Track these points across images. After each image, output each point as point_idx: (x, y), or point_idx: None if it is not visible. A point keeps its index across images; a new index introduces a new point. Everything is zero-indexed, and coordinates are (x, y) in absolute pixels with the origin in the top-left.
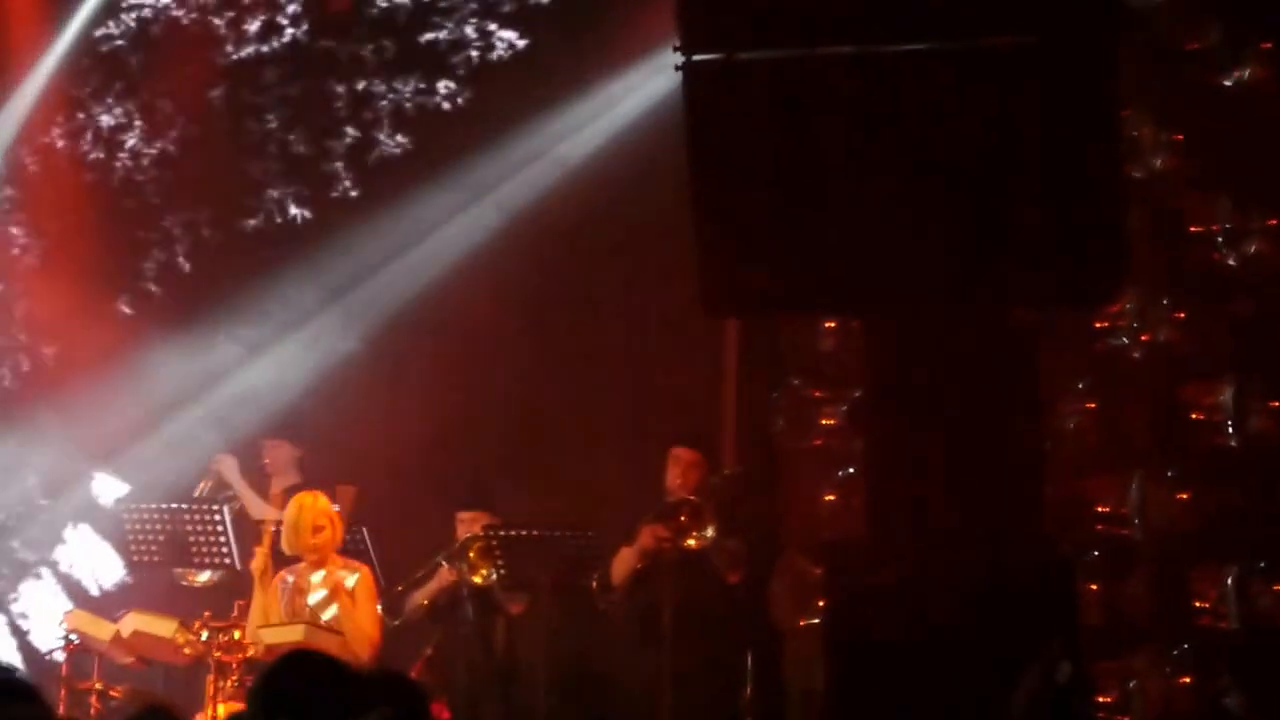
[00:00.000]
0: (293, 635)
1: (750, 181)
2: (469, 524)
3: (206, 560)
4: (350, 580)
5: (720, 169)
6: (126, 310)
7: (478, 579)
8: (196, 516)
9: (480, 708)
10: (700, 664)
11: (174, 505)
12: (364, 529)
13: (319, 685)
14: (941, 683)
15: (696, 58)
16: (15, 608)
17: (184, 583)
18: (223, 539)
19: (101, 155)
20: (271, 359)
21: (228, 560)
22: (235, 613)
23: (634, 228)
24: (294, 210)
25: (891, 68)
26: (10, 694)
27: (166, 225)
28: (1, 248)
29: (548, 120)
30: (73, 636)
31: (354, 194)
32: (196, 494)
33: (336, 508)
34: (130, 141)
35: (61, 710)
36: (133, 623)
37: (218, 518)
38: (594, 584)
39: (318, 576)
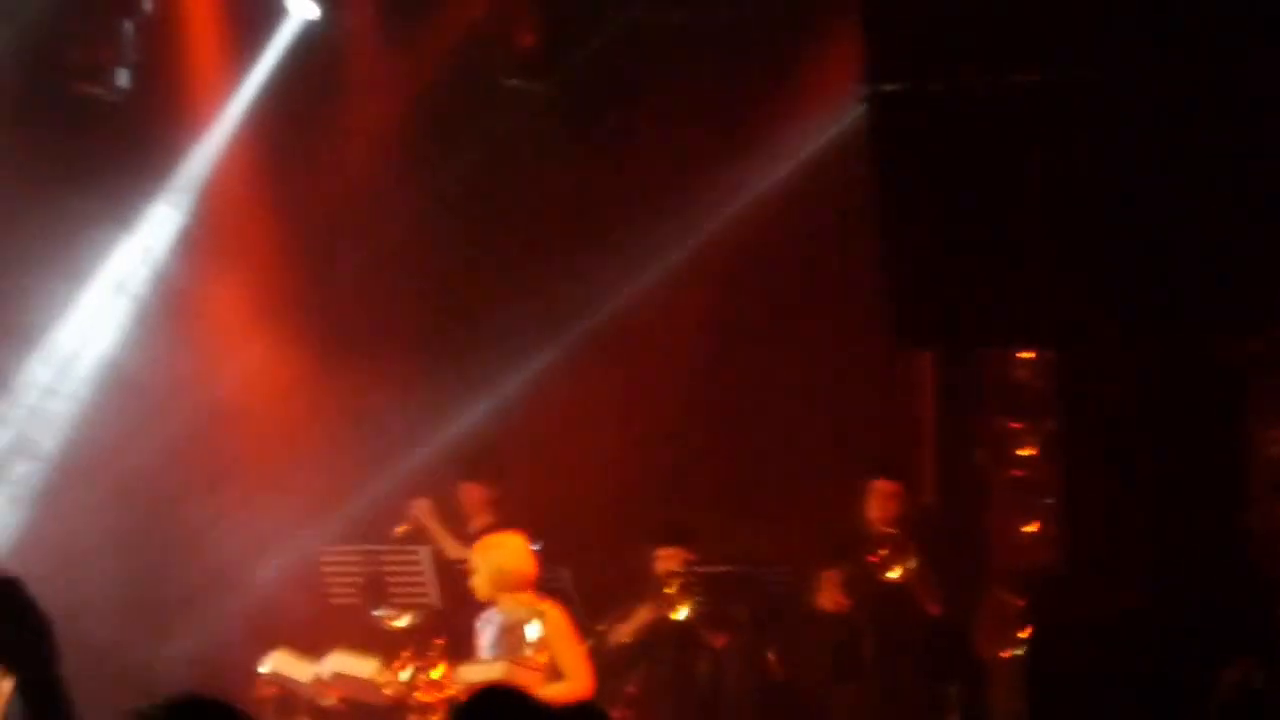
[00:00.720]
0: (495, 673)
1: (938, 212)
2: (667, 560)
3: (406, 601)
4: (541, 619)
5: (907, 200)
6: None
7: (678, 615)
8: (395, 558)
9: None
10: (903, 695)
11: (372, 547)
12: (565, 570)
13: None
14: (1142, 714)
15: (882, 88)
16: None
17: (385, 625)
18: (421, 579)
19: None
20: (465, 399)
21: (426, 600)
22: (434, 652)
23: (830, 257)
24: None
25: (1081, 94)
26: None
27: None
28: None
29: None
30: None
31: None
32: (394, 536)
33: (537, 546)
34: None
35: None
36: (333, 663)
37: (416, 558)
38: (793, 622)
39: (512, 616)
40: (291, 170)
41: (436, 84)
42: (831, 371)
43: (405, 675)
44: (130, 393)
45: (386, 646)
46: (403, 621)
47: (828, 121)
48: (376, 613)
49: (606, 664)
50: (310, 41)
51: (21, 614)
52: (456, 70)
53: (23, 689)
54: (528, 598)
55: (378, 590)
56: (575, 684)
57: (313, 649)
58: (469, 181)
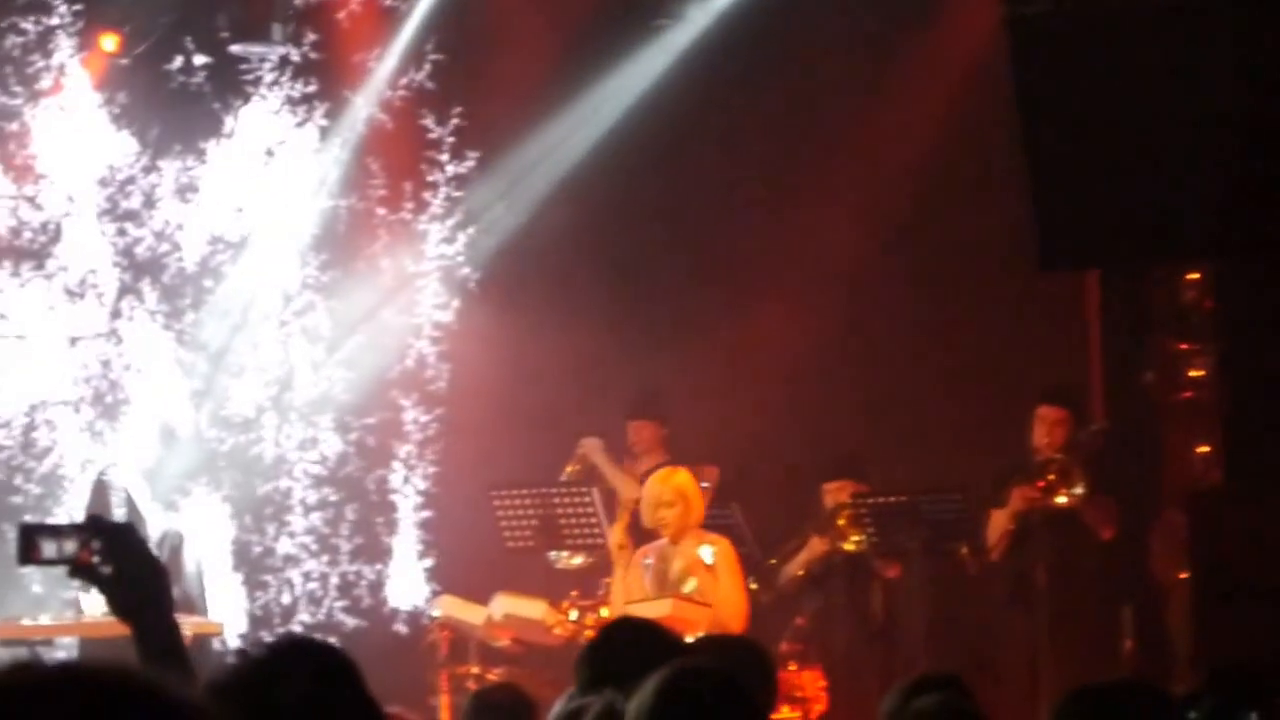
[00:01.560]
0: (660, 610)
1: (1082, 134)
2: (836, 493)
3: (579, 542)
4: (709, 553)
5: (1051, 122)
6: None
7: (849, 547)
8: (567, 499)
9: (861, 672)
10: (1077, 621)
11: (544, 489)
12: (735, 505)
13: (644, 652)
14: None
15: (1023, 10)
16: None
17: (559, 566)
18: (594, 520)
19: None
20: (633, 337)
21: (600, 541)
22: (603, 591)
23: (991, 180)
24: None
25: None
26: (329, 676)
27: None
28: None
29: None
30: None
31: None
32: (564, 477)
33: (705, 485)
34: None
35: (445, 695)
36: (503, 605)
37: (588, 499)
38: (964, 550)
39: (677, 551)
40: (445, 125)
41: (585, 30)
42: (996, 299)
43: (574, 615)
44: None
45: (552, 587)
46: (577, 561)
47: (970, 49)
48: (551, 554)
49: (777, 597)
50: None
51: (136, 562)
52: (605, 14)
53: (138, 639)
54: (695, 533)
55: (551, 531)
56: (737, 620)
57: (475, 593)
58: (623, 129)
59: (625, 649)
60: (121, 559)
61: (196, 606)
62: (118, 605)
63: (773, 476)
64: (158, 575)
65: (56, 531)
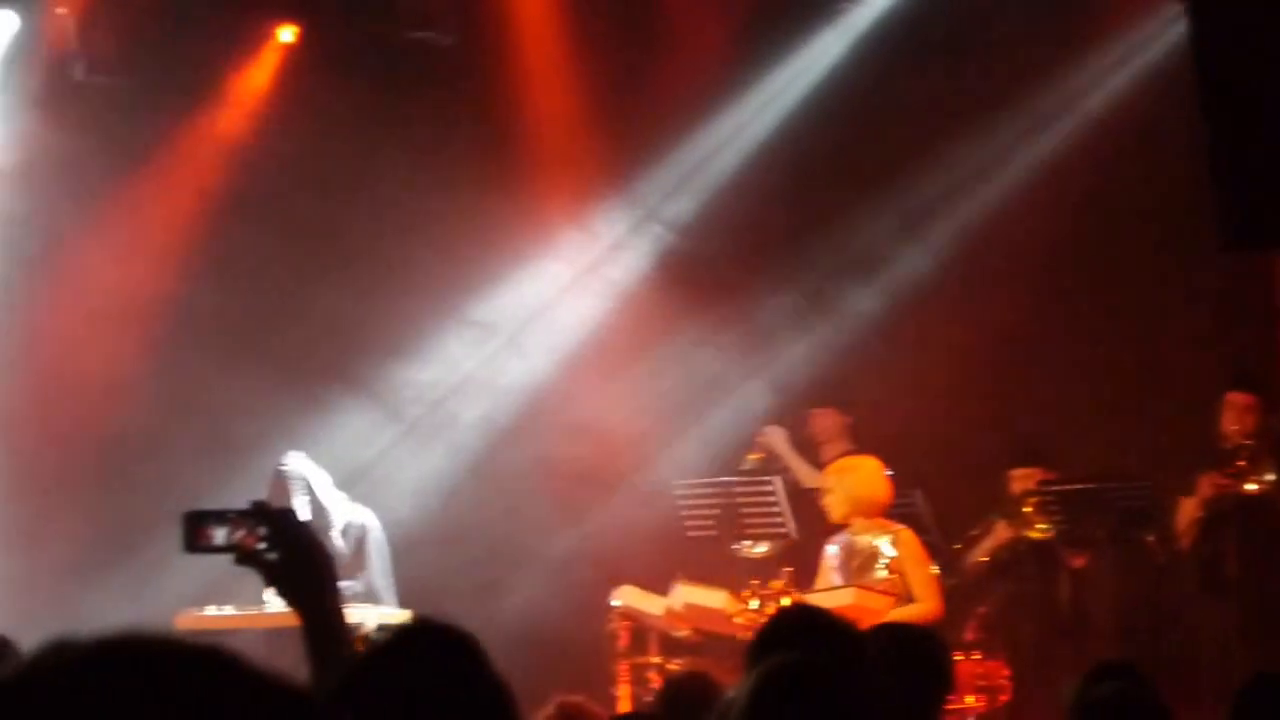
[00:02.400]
0: (842, 599)
1: (1265, 109)
2: (1022, 480)
3: (761, 531)
4: (893, 542)
5: (1232, 97)
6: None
7: (1035, 534)
8: (749, 489)
9: (1047, 662)
10: (1269, 609)
11: (726, 479)
12: (918, 492)
13: (814, 639)
14: None
15: None
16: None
17: (742, 555)
18: (776, 509)
19: None
20: (814, 322)
21: (782, 530)
22: (783, 580)
23: (1171, 162)
24: None
25: None
26: (455, 655)
27: None
28: None
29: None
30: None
31: None
32: (745, 466)
33: (890, 472)
34: None
35: (625, 685)
36: (683, 594)
37: (770, 489)
38: (1152, 538)
39: (862, 540)
40: (620, 104)
41: (760, 15)
42: (1185, 284)
43: (755, 604)
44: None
45: (732, 576)
46: (760, 550)
47: (1150, 27)
48: (735, 545)
49: (962, 585)
50: None
51: (301, 547)
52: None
53: (304, 625)
54: (879, 521)
55: (733, 522)
56: (924, 607)
57: (654, 584)
58: (804, 108)
59: (795, 636)
60: (286, 545)
61: (381, 597)
62: (283, 591)
63: (955, 463)
64: (323, 561)
65: (221, 518)
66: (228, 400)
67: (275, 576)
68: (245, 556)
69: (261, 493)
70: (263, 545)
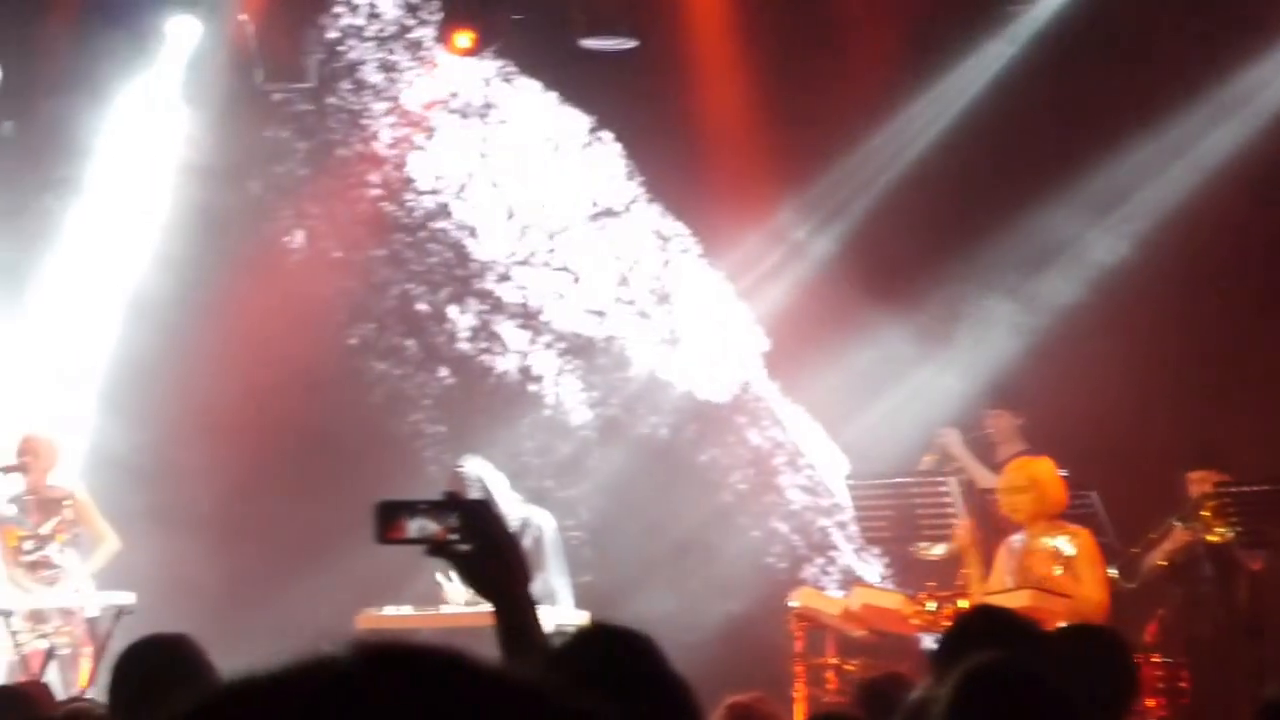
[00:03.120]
0: (1018, 600)
1: None
2: (1199, 483)
3: (937, 533)
4: (1071, 543)
5: None
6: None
7: (1213, 537)
8: (924, 489)
9: (1226, 665)
10: None
11: (901, 479)
12: (1094, 493)
13: (999, 641)
14: None
15: None
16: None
17: (919, 556)
18: (951, 511)
19: None
20: (988, 322)
21: (959, 530)
22: (960, 581)
23: None
24: None
25: None
26: (633, 654)
27: None
28: None
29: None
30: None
31: None
32: (921, 467)
33: (1065, 473)
34: None
35: (802, 686)
36: (860, 596)
37: (945, 489)
38: None
39: (1038, 541)
40: (798, 101)
41: (931, 15)
42: None
43: (931, 606)
44: None
45: (909, 578)
46: (938, 551)
47: None
48: (911, 547)
49: (1139, 587)
50: None
51: (494, 539)
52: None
53: (497, 617)
54: (1058, 523)
55: (908, 523)
56: (1097, 611)
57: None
58: (973, 111)
59: (980, 638)
60: (480, 536)
61: (558, 598)
62: (475, 584)
63: (1133, 465)
64: (516, 554)
65: (413, 509)
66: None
67: (467, 569)
68: (437, 548)
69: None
70: (454, 537)
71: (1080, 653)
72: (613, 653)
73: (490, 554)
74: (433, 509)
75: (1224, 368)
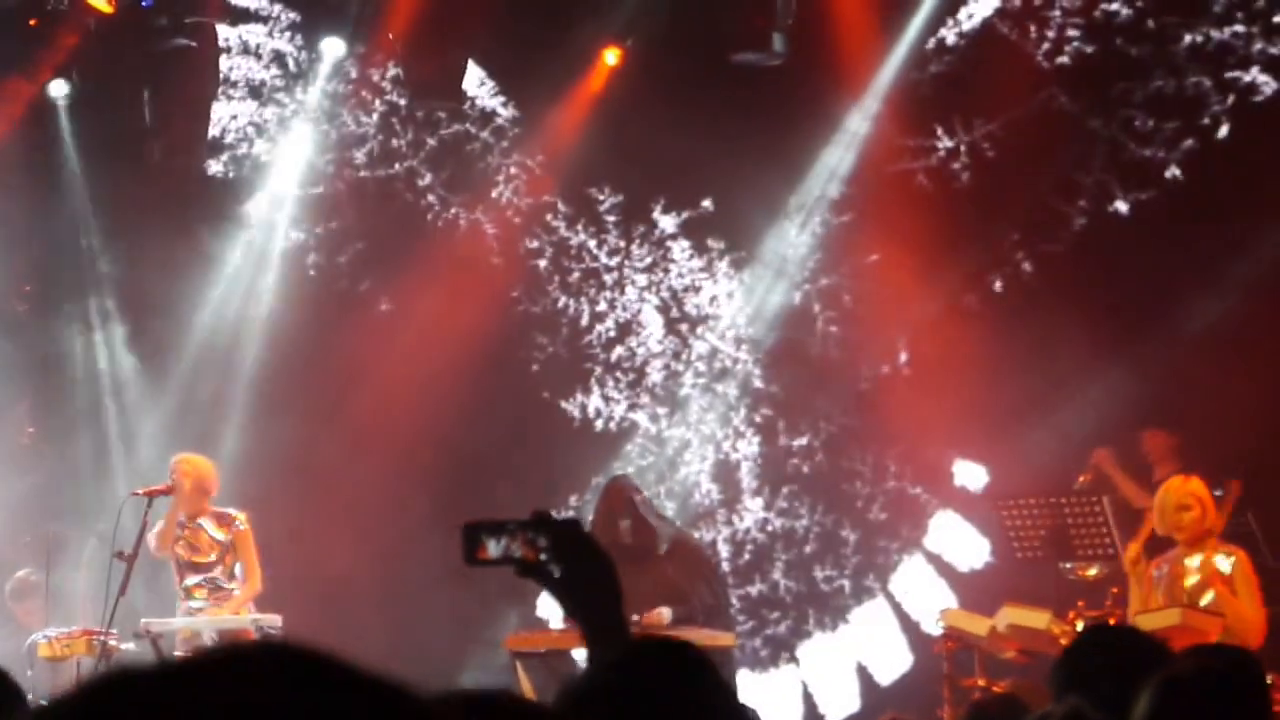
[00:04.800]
0: (1169, 620)
1: None
2: None
3: (1089, 552)
4: (1226, 563)
5: None
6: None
7: None
8: (1077, 508)
9: None
10: None
11: (1053, 498)
12: (1249, 514)
13: (1119, 658)
14: None
15: None
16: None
17: (1072, 576)
18: (1104, 530)
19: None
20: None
21: (1111, 551)
22: (1109, 601)
23: None
24: (1120, 205)
25: None
26: (685, 670)
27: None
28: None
29: None
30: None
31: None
32: (1076, 487)
33: (1219, 493)
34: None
35: (949, 708)
36: (1007, 616)
37: (1098, 508)
38: None
39: (1193, 560)
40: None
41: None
42: None
43: (1081, 626)
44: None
45: (1060, 598)
46: (1092, 572)
47: None
48: (1066, 565)
49: None
50: None
51: (584, 560)
52: None
53: (588, 640)
54: (1212, 542)
55: (1061, 542)
56: (1247, 633)
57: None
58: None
59: (1099, 654)
60: (569, 557)
61: (714, 617)
62: (565, 604)
63: None
64: (608, 573)
65: (501, 529)
66: None
67: (557, 589)
68: (527, 568)
69: (586, 514)
70: (544, 557)
71: (1209, 675)
72: (659, 668)
73: (580, 574)
74: (521, 529)
75: None
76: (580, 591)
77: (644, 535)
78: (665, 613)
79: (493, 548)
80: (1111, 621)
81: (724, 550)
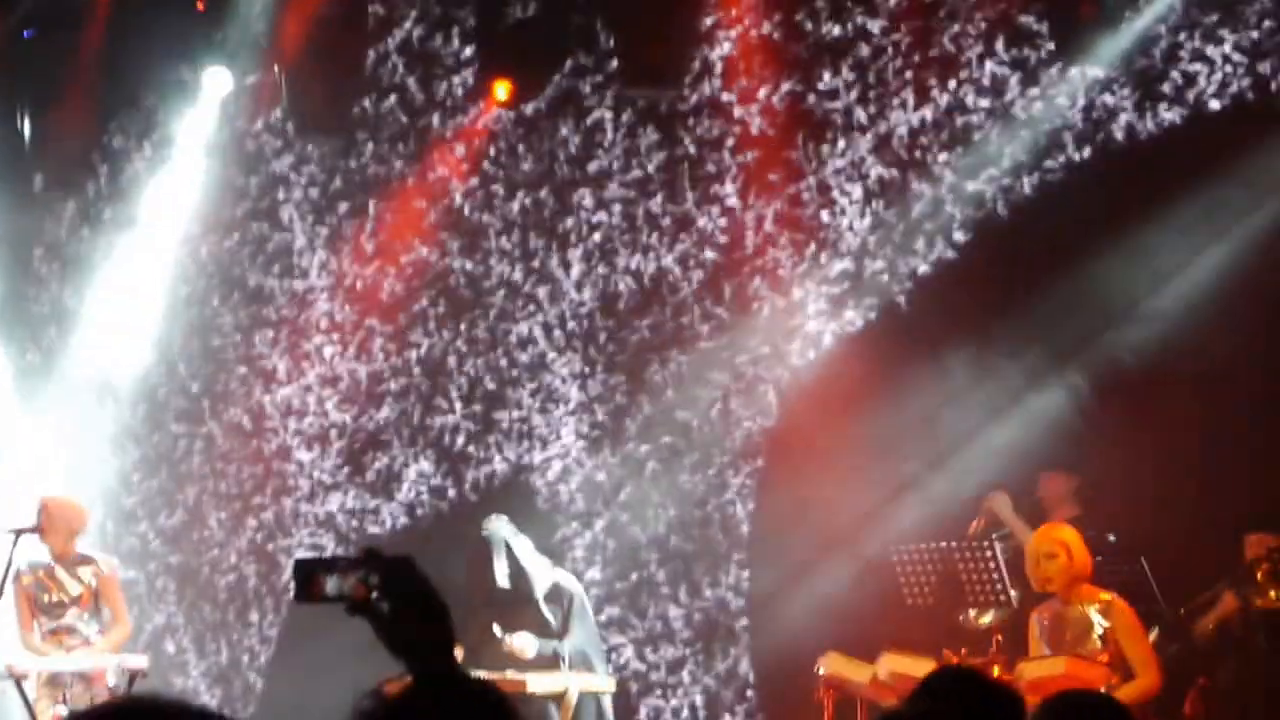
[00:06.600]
0: (1054, 668)
1: None
2: (1255, 546)
3: (981, 599)
4: (1105, 614)
5: None
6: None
7: (1266, 603)
8: (969, 555)
9: None
10: None
11: (945, 544)
12: (1142, 558)
13: (968, 703)
14: None
15: None
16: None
17: (968, 624)
18: (996, 576)
19: None
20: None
21: (1004, 598)
22: (993, 649)
23: None
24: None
25: None
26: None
27: None
28: None
29: None
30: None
31: None
32: (970, 532)
33: (1113, 536)
34: None
35: None
36: (889, 663)
37: (989, 554)
38: None
39: (1074, 610)
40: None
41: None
42: None
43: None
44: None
45: (938, 645)
46: (987, 620)
47: None
48: (960, 615)
49: (1185, 653)
50: None
51: (413, 598)
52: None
53: (415, 682)
54: (1089, 589)
55: (952, 589)
56: (1144, 682)
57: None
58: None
59: (946, 698)
60: (398, 596)
61: (591, 662)
62: (392, 645)
63: (1189, 526)
64: (439, 614)
65: (332, 566)
66: None
67: (386, 629)
68: (357, 607)
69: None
70: (375, 594)
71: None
72: (462, 711)
73: (410, 615)
74: (352, 566)
75: (1274, 429)
76: (409, 632)
77: (519, 579)
78: (529, 644)
79: (327, 585)
80: (996, 670)
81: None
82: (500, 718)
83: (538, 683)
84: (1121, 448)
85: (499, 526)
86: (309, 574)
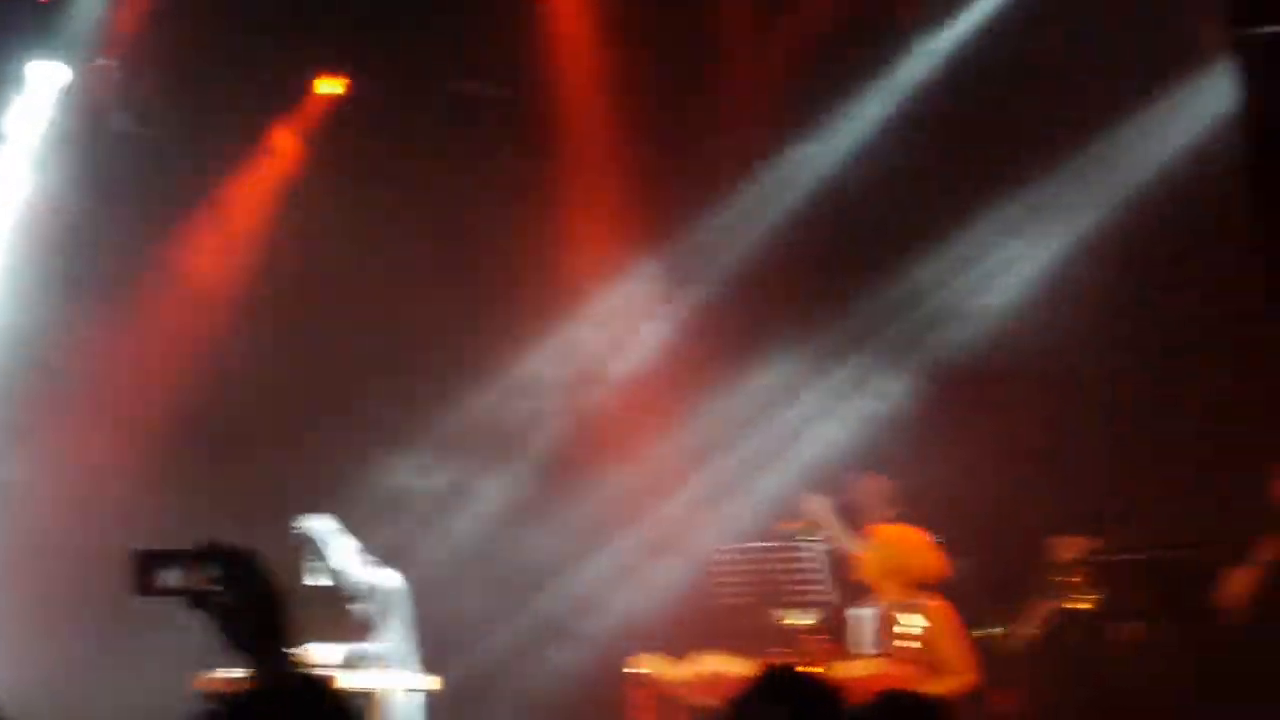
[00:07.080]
0: (872, 668)
1: None
2: (1069, 549)
3: (801, 599)
4: (923, 618)
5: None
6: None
7: (1080, 605)
8: (786, 555)
9: None
10: None
11: (760, 545)
12: (967, 560)
13: (796, 706)
14: None
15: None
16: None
17: (786, 623)
18: (816, 576)
19: None
20: (862, 383)
21: (824, 598)
22: (813, 648)
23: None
24: None
25: None
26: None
27: None
28: None
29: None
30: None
31: None
32: (786, 533)
33: (939, 539)
34: None
35: None
36: (709, 663)
37: (806, 555)
38: (1205, 609)
39: (893, 609)
40: (670, 158)
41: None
42: (1238, 352)
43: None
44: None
45: (760, 645)
46: (806, 620)
47: (1194, 78)
48: (776, 613)
49: (1005, 656)
50: None
51: (254, 591)
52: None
53: (254, 674)
54: (911, 592)
55: (770, 589)
56: (958, 680)
57: (683, 651)
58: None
59: (770, 699)
60: (239, 588)
61: (406, 661)
62: (232, 638)
63: (1009, 530)
64: (280, 608)
65: (173, 559)
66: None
67: (226, 622)
68: (198, 599)
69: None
70: (217, 588)
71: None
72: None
73: (250, 608)
74: (194, 559)
75: (1090, 436)
76: (247, 626)
77: (333, 578)
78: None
79: (165, 577)
80: (816, 669)
81: None
82: (339, 713)
83: (346, 681)
84: (950, 447)
85: (312, 525)
86: (147, 566)
